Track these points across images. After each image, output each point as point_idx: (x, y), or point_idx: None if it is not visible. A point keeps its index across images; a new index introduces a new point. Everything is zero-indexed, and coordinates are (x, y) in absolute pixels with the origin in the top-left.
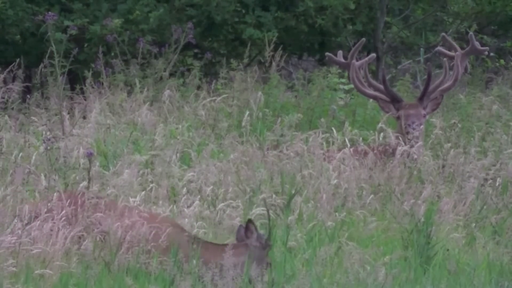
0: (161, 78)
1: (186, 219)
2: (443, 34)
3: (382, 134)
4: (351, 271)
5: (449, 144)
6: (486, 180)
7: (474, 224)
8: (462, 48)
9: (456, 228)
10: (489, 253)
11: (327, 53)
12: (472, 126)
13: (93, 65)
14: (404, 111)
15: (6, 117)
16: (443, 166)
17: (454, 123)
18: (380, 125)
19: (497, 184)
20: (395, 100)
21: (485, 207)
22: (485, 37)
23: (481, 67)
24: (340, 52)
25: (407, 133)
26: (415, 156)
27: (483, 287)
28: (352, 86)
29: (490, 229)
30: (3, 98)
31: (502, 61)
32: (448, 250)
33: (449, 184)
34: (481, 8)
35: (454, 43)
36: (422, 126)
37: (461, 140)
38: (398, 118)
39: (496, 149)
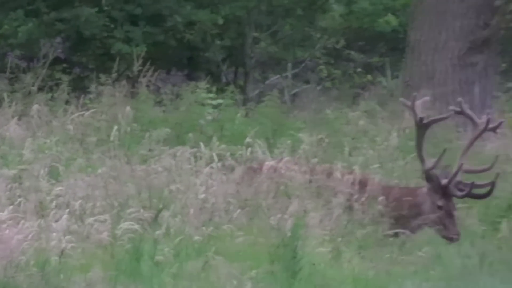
0: (29, 92)
1: (54, 234)
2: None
3: (249, 149)
4: (218, 285)
5: (316, 159)
6: (352, 195)
7: (340, 239)
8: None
9: (323, 243)
10: (354, 267)
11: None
12: (339, 141)
13: None
14: None
15: None
16: (310, 181)
17: (321, 138)
18: (247, 139)
19: (363, 199)
20: None
21: (351, 222)
22: (352, 52)
23: (349, 83)
24: None
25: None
26: (283, 171)
27: None
28: (220, 101)
29: (355, 244)
30: None
31: (369, 76)
32: (314, 264)
33: (315, 199)
34: (349, 24)
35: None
36: None
37: (328, 155)
38: None
39: (362, 164)
